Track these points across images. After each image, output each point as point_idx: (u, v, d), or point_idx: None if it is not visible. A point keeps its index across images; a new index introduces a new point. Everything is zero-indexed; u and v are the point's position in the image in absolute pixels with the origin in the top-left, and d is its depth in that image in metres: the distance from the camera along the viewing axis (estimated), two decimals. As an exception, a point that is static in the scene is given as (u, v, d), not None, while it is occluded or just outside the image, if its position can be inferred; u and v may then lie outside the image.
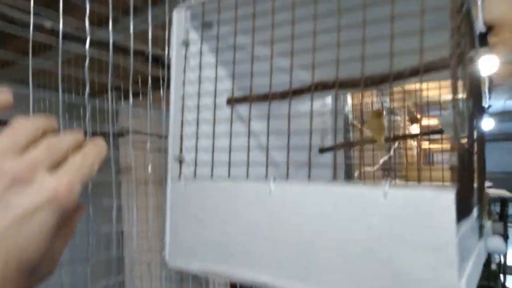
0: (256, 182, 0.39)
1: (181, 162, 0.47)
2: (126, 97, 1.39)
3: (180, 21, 0.48)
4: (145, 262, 1.34)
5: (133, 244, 1.38)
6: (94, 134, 1.26)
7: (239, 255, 0.40)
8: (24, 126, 0.25)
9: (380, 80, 0.39)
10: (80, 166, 0.27)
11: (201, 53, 0.48)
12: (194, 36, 0.49)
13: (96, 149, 0.28)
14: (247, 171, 0.42)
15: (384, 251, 0.31)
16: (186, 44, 0.48)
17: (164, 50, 0.62)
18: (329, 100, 0.79)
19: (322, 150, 0.72)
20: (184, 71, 0.48)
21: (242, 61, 0.45)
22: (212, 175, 0.44)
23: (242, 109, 0.52)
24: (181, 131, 0.47)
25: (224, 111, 0.51)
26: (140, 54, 0.67)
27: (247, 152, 0.43)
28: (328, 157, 0.74)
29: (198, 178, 0.46)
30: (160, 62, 0.70)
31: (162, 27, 0.65)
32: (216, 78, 0.47)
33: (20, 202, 0.23)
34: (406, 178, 1.08)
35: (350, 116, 0.86)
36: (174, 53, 0.48)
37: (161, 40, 0.63)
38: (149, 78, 0.55)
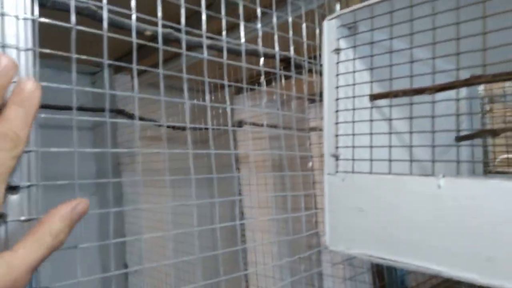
0: (422, 177, 0.43)
1: (337, 158, 0.52)
2: (241, 92, 1.51)
3: (331, 30, 0.53)
4: (263, 245, 1.46)
5: (253, 233, 1.52)
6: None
7: (403, 243, 0.44)
8: None
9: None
10: None
11: (349, 59, 0.53)
12: (341, 43, 0.54)
13: (22, 116, 0.25)
14: (390, 166, 0.46)
15: None
16: (337, 51, 0.53)
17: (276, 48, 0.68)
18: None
19: (459, 139, 0.71)
20: (337, 76, 0.53)
21: (390, 63, 0.48)
22: (371, 170, 0.49)
23: (386, 108, 0.55)
24: (336, 130, 0.53)
25: (370, 111, 0.55)
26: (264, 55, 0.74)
27: (389, 148, 0.46)
28: (466, 148, 0.73)
29: (355, 172, 0.51)
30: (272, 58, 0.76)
31: (282, 29, 0.71)
32: (358, 81, 0.51)
33: None
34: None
35: (484, 100, 0.82)
36: (326, 60, 0.53)
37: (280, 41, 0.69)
38: (278, 77, 0.61)
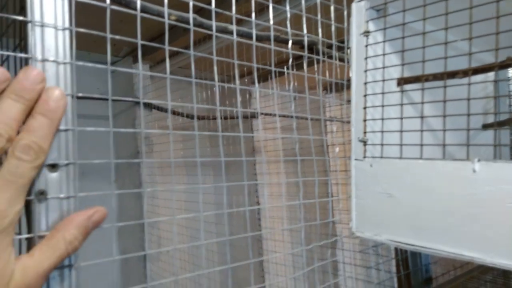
0: (456, 161, 0.42)
1: (365, 143, 0.52)
2: (261, 81, 1.50)
3: (359, 12, 0.52)
4: (277, 233, 1.47)
5: (266, 219, 1.53)
6: (232, 117, 1.41)
7: (434, 229, 0.44)
8: None
9: None
10: (21, 174, 0.25)
11: (377, 42, 0.51)
12: (370, 25, 0.53)
13: (45, 127, 0.26)
14: (421, 151, 0.45)
15: None
16: (366, 34, 0.51)
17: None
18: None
19: (486, 126, 0.69)
20: (365, 60, 0.52)
21: (418, 45, 0.46)
22: (401, 154, 0.48)
23: (413, 93, 0.54)
24: (365, 115, 0.52)
25: (398, 95, 0.53)
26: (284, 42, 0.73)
27: (420, 133, 0.45)
28: (491, 133, 0.71)
29: (384, 157, 0.50)
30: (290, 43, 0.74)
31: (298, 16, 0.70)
32: (386, 64, 0.50)
33: None
34: None
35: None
36: (354, 43, 0.52)
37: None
38: (305, 63, 0.60)
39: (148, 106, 1.33)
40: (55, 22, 0.30)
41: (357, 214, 0.52)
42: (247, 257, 0.57)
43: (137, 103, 1.35)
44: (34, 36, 0.30)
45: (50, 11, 0.30)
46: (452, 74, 0.48)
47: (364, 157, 0.51)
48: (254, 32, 0.53)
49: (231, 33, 0.65)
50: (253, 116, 1.47)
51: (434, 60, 0.46)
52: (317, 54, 0.77)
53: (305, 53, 0.59)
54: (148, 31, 1.14)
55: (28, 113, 0.26)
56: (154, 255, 1.36)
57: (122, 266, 1.41)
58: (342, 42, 0.66)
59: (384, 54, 0.51)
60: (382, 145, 0.50)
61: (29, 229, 0.30)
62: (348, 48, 0.55)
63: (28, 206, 0.30)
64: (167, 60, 0.42)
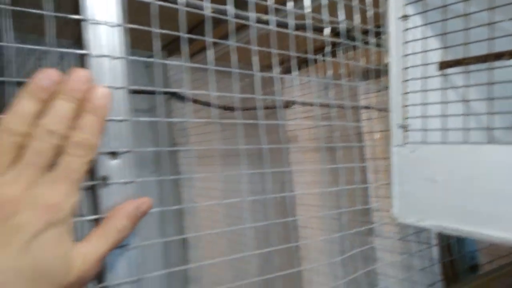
0: (504, 145, 0.40)
1: (405, 129, 0.51)
2: (293, 70, 1.50)
3: (398, -4, 0.51)
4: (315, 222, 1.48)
5: (302, 207, 1.54)
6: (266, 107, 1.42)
7: (480, 214, 0.43)
8: (6, 139, 0.25)
9: None
10: (75, 169, 0.26)
11: (416, 26, 0.50)
12: (409, 9, 0.52)
13: (95, 124, 0.27)
14: (466, 135, 0.44)
15: None
16: (404, 18, 0.51)
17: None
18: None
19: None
20: (404, 44, 0.51)
21: (459, 28, 0.45)
22: (444, 140, 0.47)
23: (455, 76, 0.53)
24: (404, 101, 0.51)
25: (439, 80, 0.52)
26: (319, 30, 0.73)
27: (462, 118, 0.44)
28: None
29: (426, 143, 0.50)
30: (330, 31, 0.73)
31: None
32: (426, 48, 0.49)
33: (19, 229, 0.24)
34: None
35: None
36: (393, 28, 0.51)
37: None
38: (343, 52, 0.59)
39: (184, 98, 1.37)
40: (107, 19, 0.33)
41: (399, 200, 0.52)
42: (283, 243, 0.58)
43: (173, 95, 1.40)
44: (89, 33, 0.32)
45: (102, 9, 0.32)
46: (498, 56, 0.46)
47: (405, 143, 0.51)
48: (292, 21, 0.54)
49: (267, 23, 0.65)
50: (286, 106, 1.48)
51: (478, 42, 0.44)
52: (353, 40, 0.77)
53: (342, 40, 0.59)
54: (182, 25, 1.17)
55: (78, 111, 0.28)
56: (194, 242, 1.41)
57: (164, 254, 1.48)
58: (378, 27, 0.65)
59: (424, 38, 0.49)
60: (424, 130, 0.49)
61: (94, 212, 0.33)
62: (383, 34, 0.54)
63: (93, 190, 0.33)
64: (207, 52, 0.43)
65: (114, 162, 0.32)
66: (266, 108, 1.42)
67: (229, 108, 1.40)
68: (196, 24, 0.44)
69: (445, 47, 0.49)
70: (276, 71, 0.63)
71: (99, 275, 0.32)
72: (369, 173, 0.85)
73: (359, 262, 0.63)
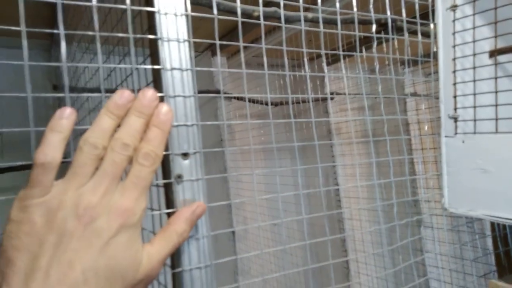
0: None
1: (456, 120, 0.51)
2: (332, 62, 1.50)
3: (445, -13, 0.51)
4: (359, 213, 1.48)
5: (345, 199, 1.54)
6: (302, 101, 1.43)
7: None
8: (89, 152, 0.28)
9: None
10: (144, 177, 0.29)
11: (466, 16, 0.50)
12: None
13: (159, 137, 0.30)
14: None
15: None
16: (453, 8, 0.50)
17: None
18: None
19: None
20: (453, 35, 0.51)
21: (509, 16, 0.44)
22: (496, 129, 0.47)
23: (509, 65, 0.52)
24: (454, 91, 0.51)
25: (491, 68, 0.52)
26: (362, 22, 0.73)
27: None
28: None
29: (477, 133, 0.50)
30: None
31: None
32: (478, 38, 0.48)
33: (98, 233, 0.27)
34: None
35: None
36: (441, 19, 0.52)
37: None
38: (376, 44, 0.60)
39: (228, 96, 1.42)
40: (177, 36, 0.37)
41: (449, 190, 0.52)
42: (326, 234, 0.60)
43: (217, 93, 1.45)
44: (164, 50, 0.36)
45: (172, 27, 0.37)
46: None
47: (456, 133, 0.51)
48: (338, 18, 0.55)
49: (311, 21, 0.67)
50: (326, 98, 1.48)
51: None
52: (398, 31, 0.76)
53: (389, 33, 0.60)
54: (224, 25, 1.22)
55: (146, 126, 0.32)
56: (241, 234, 1.47)
57: (214, 245, 1.55)
58: (422, 17, 0.64)
59: (474, 28, 0.49)
60: (475, 120, 0.49)
61: (168, 206, 0.38)
62: (427, 23, 0.54)
63: (168, 187, 0.37)
64: (242, 56, 0.46)
65: (186, 162, 0.37)
66: (305, 102, 1.43)
67: (272, 104, 1.43)
68: (236, 25, 0.47)
69: (495, 36, 0.48)
70: (315, 63, 0.65)
71: (174, 261, 0.37)
72: (417, 164, 0.84)
73: (408, 253, 0.64)
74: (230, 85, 1.42)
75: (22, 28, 0.30)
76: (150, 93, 0.31)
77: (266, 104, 1.41)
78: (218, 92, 1.46)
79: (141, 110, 0.31)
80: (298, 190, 0.50)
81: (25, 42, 0.30)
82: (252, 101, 1.41)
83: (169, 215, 0.38)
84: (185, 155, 0.37)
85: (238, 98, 1.42)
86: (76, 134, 0.34)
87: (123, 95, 0.31)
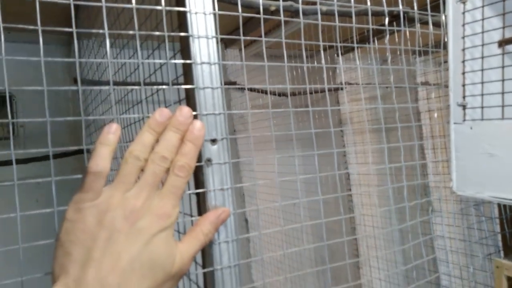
0: None
1: (464, 107, 0.54)
2: (344, 53, 1.52)
3: (454, -20, 0.53)
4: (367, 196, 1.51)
5: (357, 185, 1.57)
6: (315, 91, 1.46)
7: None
8: (133, 163, 0.33)
9: None
10: (179, 186, 0.34)
11: (476, 8, 0.53)
12: (466, -10, 0.54)
13: (193, 151, 0.34)
14: None
15: None
16: (463, 0, 0.53)
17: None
18: None
19: None
20: (463, 26, 0.53)
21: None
22: (502, 116, 0.50)
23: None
24: (463, 80, 0.54)
25: (499, 58, 0.54)
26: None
27: None
28: None
29: (484, 119, 0.52)
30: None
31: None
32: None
33: (141, 231, 0.31)
34: None
35: None
36: (451, 11, 0.54)
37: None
38: (403, 36, 0.62)
39: (241, 87, 1.46)
40: (206, 33, 0.40)
41: (457, 174, 0.55)
42: (339, 225, 0.63)
43: (231, 84, 1.49)
44: (194, 45, 0.40)
45: (202, 25, 0.40)
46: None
47: (464, 120, 0.54)
48: (353, 11, 0.58)
49: (325, 13, 0.70)
50: (337, 88, 1.50)
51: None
52: (409, 21, 0.79)
53: (401, 23, 0.62)
54: (236, 19, 1.25)
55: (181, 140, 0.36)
56: (254, 221, 1.51)
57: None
58: (433, 9, 0.67)
59: (483, 19, 0.52)
60: (482, 107, 0.52)
61: (197, 187, 0.42)
62: (438, 15, 0.57)
63: (197, 171, 0.41)
64: (264, 49, 0.50)
65: (215, 147, 0.40)
66: (317, 92, 1.46)
67: (284, 95, 1.46)
68: (251, 17, 0.49)
69: (503, 27, 0.51)
70: (328, 53, 0.68)
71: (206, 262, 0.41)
72: (428, 151, 0.87)
73: (417, 234, 0.67)
74: (243, 77, 1.45)
75: (38, 26, 0.33)
76: (185, 111, 0.35)
77: (279, 95, 1.44)
78: (232, 83, 1.49)
79: (178, 127, 0.35)
80: (309, 180, 0.53)
81: (40, 40, 0.34)
82: (265, 92, 1.44)
83: (198, 195, 0.42)
84: (213, 141, 0.40)
85: (251, 90, 1.46)
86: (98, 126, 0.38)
87: (162, 114, 0.35)
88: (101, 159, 0.31)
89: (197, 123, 0.36)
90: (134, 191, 0.32)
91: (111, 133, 0.33)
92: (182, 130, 0.35)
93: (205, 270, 0.41)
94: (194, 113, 0.41)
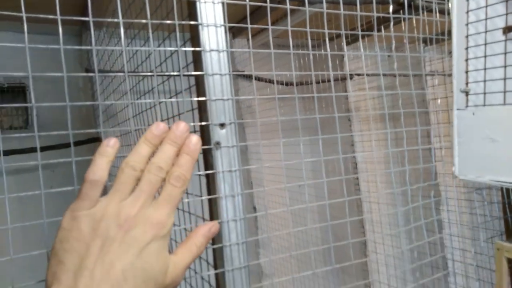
0: None
1: (467, 93, 0.55)
2: (351, 42, 1.52)
3: (459, -33, 0.54)
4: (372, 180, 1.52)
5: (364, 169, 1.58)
6: (322, 81, 1.46)
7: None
8: (129, 173, 0.33)
9: None
10: (174, 196, 0.34)
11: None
12: (471, -23, 0.54)
13: (189, 163, 0.35)
14: None
15: None
16: (466, -13, 0.54)
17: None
18: None
19: None
20: (467, 13, 0.54)
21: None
22: (504, 101, 0.51)
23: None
24: (466, 67, 0.55)
25: (503, 44, 0.55)
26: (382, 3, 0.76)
27: None
28: None
29: (486, 105, 0.53)
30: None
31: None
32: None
33: (135, 239, 0.31)
34: None
35: None
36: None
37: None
38: (395, 26, 0.63)
39: (248, 77, 1.47)
40: (214, 21, 0.42)
41: (459, 159, 0.57)
42: (346, 214, 0.64)
43: (239, 75, 1.50)
44: (203, 33, 0.42)
45: (211, 14, 0.42)
46: None
47: (467, 106, 0.55)
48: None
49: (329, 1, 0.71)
50: (345, 77, 1.51)
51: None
52: (416, 10, 0.79)
53: (405, 11, 0.63)
54: (243, 8, 1.26)
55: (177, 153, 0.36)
56: (262, 208, 1.54)
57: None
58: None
59: (487, 6, 0.52)
60: (485, 93, 0.53)
61: (206, 169, 0.44)
62: (443, 2, 0.57)
63: (207, 154, 0.44)
64: (271, 38, 0.51)
65: (223, 131, 0.43)
66: (324, 81, 1.47)
67: (290, 84, 1.47)
68: (258, 6, 0.50)
69: (506, 14, 0.51)
70: (335, 43, 0.69)
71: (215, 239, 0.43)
72: (433, 137, 0.88)
73: (420, 218, 0.69)
74: (251, 67, 1.47)
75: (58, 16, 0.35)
76: (182, 126, 0.37)
77: (286, 84, 1.45)
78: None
79: (175, 140, 0.36)
80: (317, 168, 0.55)
81: (60, 29, 0.36)
82: (272, 81, 1.45)
83: (208, 177, 0.44)
84: (222, 125, 0.43)
85: (258, 79, 1.47)
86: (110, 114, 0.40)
87: (158, 127, 0.36)
88: (98, 168, 0.33)
89: (194, 137, 0.37)
90: (130, 200, 0.33)
91: (110, 146, 0.34)
92: (179, 143, 0.36)
93: (215, 246, 0.43)
94: (203, 98, 0.42)
